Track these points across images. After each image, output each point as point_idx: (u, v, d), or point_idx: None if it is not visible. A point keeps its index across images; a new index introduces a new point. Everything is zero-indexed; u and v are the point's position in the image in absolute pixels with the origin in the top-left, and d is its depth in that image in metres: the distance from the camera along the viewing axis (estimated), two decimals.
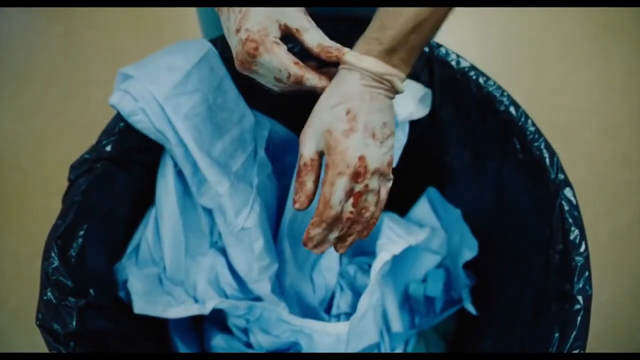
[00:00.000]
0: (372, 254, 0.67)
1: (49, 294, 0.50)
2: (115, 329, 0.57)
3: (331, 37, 0.44)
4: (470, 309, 0.71)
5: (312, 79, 0.42)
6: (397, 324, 0.72)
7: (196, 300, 0.64)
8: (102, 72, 1.27)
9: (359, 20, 0.45)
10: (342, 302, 0.73)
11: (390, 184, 0.44)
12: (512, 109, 0.57)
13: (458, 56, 0.59)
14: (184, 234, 0.62)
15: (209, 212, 0.64)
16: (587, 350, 0.47)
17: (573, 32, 1.35)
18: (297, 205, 0.43)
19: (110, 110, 0.55)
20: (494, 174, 0.64)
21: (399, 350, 0.71)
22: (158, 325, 0.66)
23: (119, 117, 0.56)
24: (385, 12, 0.42)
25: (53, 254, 0.51)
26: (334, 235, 0.44)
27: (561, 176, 0.53)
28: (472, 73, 0.59)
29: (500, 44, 1.35)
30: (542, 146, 0.55)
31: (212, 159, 0.57)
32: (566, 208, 0.52)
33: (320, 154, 0.43)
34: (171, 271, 0.64)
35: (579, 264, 0.50)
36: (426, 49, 0.59)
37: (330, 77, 0.43)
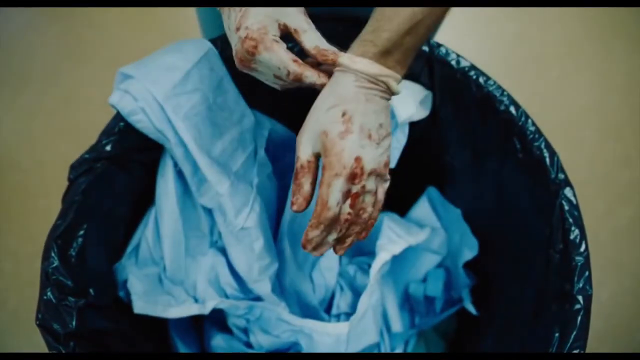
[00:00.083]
0: (372, 254, 0.66)
1: (48, 293, 0.50)
2: (115, 329, 0.57)
3: (330, 37, 0.44)
4: (471, 308, 0.71)
5: (311, 76, 0.42)
6: (397, 324, 0.72)
7: (196, 300, 0.63)
8: (102, 72, 1.26)
9: (358, 20, 0.45)
10: (342, 302, 0.73)
11: (387, 184, 0.44)
12: (512, 109, 0.57)
13: (458, 56, 0.59)
14: (183, 233, 0.62)
15: (209, 211, 0.64)
16: (587, 350, 0.47)
17: (573, 32, 1.35)
18: (294, 208, 0.43)
19: (110, 110, 0.55)
20: (494, 173, 0.63)
21: (399, 350, 0.71)
22: (158, 325, 0.66)
23: (118, 117, 0.56)
24: (381, 13, 0.42)
25: (53, 254, 0.51)
26: (332, 237, 0.44)
27: (561, 176, 0.53)
28: (472, 73, 0.59)
29: (500, 44, 1.34)
30: (542, 146, 0.55)
31: (212, 159, 0.57)
32: (566, 208, 0.52)
33: (317, 156, 0.43)
34: (171, 271, 0.64)
35: (579, 263, 0.50)
36: (426, 49, 0.59)
37: (329, 74, 0.43)
